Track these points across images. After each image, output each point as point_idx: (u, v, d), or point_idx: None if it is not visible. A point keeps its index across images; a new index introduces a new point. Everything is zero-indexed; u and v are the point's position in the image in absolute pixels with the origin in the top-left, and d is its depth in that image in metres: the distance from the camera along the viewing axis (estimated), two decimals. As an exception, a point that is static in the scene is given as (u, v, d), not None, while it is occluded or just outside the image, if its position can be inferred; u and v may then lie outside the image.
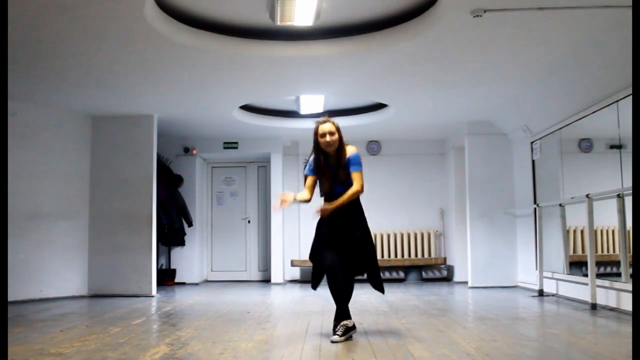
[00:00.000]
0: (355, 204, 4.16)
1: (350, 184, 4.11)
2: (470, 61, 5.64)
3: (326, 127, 4.11)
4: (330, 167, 4.15)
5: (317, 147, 4.16)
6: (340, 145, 4.13)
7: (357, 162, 4.15)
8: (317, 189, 4.30)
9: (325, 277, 4.17)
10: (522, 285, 7.93)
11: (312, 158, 4.26)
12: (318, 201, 4.26)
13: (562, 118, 6.62)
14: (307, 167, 4.29)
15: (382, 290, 4.19)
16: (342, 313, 4.03)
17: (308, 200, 4.19)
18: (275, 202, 4.02)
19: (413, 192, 9.73)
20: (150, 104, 7.24)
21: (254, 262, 10.02)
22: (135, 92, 6.68)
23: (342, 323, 3.98)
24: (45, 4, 4.25)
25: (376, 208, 9.50)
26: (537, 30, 4.81)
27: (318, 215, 4.12)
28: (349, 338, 3.95)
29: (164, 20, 4.79)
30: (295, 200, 4.14)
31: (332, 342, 3.88)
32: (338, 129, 4.13)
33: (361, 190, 4.13)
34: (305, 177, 4.30)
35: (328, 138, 4.08)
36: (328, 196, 4.18)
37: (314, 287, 4.29)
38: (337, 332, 3.94)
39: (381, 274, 4.27)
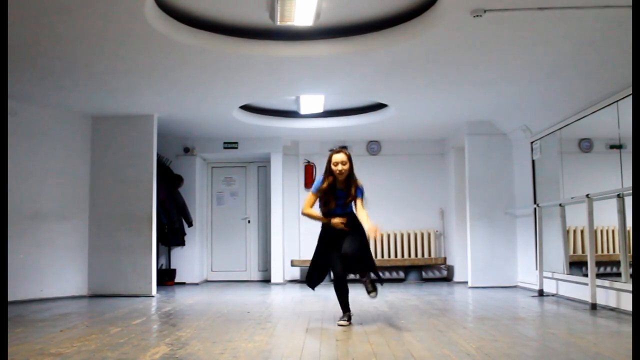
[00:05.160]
0: (355, 218, 4.78)
1: (349, 207, 4.77)
2: (470, 61, 5.64)
3: (339, 157, 4.71)
4: (337, 192, 4.73)
5: (330, 173, 4.73)
6: (351, 173, 4.74)
7: (362, 193, 4.77)
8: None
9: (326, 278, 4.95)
10: (522, 285, 7.93)
11: (319, 179, 4.85)
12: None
13: (562, 118, 6.62)
14: (314, 186, 4.85)
15: (380, 281, 4.84)
16: (347, 307, 4.78)
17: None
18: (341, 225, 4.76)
19: (413, 192, 9.73)
20: (150, 104, 7.24)
21: (254, 262, 10.03)
22: (135, 92, 6.68)
23: (348, 313, 4.76)
24: (45, 4, 4.24)
25: (376, 208, 9.46)
26: (537, 30, 4.81)
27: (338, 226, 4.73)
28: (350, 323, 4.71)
29: (164, 20, 4.79)
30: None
31: (340, 325, 4.61)
32: (349, 159, 4.74)
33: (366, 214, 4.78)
34: (313, 194, 4.86)
35: (340, 167, 4.68)
36: (328, 212, 4.79)
37: (313, 287, 4.94)
38: (344, 318, 4.71)
39: (379, 273, 4.95)
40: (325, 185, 4.74)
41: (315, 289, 4.94)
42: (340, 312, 4.82)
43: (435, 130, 9.07)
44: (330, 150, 4.87)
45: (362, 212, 4.70)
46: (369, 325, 4.60)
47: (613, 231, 5.91)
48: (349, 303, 4.77)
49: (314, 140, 9.60)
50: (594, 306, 5.43)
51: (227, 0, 4.73)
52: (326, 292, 7.60)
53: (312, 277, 4.89)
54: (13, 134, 6.53)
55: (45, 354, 3.53)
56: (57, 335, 4.29)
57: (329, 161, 4.76)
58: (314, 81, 6.37)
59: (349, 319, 4.72)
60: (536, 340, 4.02)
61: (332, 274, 4.84)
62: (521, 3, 4.29)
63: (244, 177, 10.19)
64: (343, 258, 4.60)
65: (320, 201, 4.81)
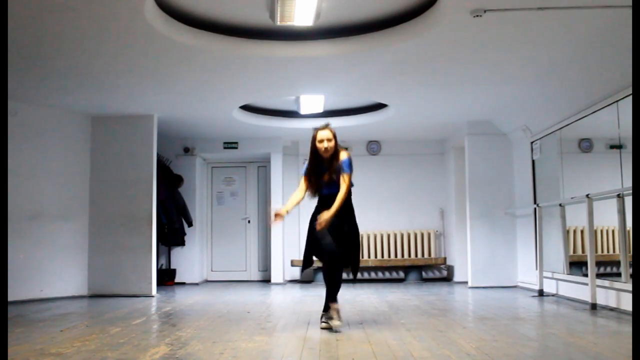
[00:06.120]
0: (345, 203, 4.44)
1: (337, 186, 4.40)
2: (470, 61, 5.64)
3: (324, 134, 4.44)
4: (323, 172, 4.47)
5: (314, 152, 4.48)
6: (335, 151, 4.46)
7: (347, 165, 4.43)
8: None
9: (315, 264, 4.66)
10: (522, 285, 7.93)
11: (307, 161, 4.61)
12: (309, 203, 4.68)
13: (562, 118, 6.62)
14: (304, 168, 4.65)
15: (355, 275, 4.64)
16: (333, 298, 4.42)
17: (301, 199, 4.60)
18: (271, 219, 4.55)
19: (413, 192, 9.73)
20: (150, 104, 7.24)
21: (254, 262, 10.03)
22: (135, 92, 6.68)
23: (335, 307, 4.37)
24: (45, 3, 4.24)
25: (376, 208, 9.53)
26: (537, 30, 4.81)
27: (320, 227, 4.36)
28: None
29: (164, 20, 4.79)
30: (287, 212, 4.51)
31: (335, 327, 4.26)
32: (334, 136, 4.46)
33: (347, 192, 4.42)
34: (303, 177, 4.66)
35: (326, 144, 4.41)
36: (319, 198, 4.57)
37: (304, 269, 4.72)
38: (334, 317, 4.32)
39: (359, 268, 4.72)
40: (309, 166, 4.52)
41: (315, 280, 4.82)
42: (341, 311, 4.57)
43: (435, 130, 9.07)
44: (315, 129, 4.53)
45: (340, 193, 4.36)
46: (369, 325, 4.60)
47: (613, 231, 5.91)
48: (330, 298, 4.40)
49: (314, 140, 9.58)
50: (594, 306, 5.43)
51: (227, 0, 4.74)
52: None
53: (305, 260, 4.70)
54: (13, 134, 6.52)
55: (45, 354, 3.53)
56: (57, 335, 4.29)
57: (314, 139, 4.47)
58: (314, 81, 6.37)
59: (328, 320, 4.36)
60: (536, 340, 4.02)
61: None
62: (521, 3, 4.30)
63: (244, 177, 10.20)
64: (326, 253, 4.41)
65: (310, 186, 4.54)
